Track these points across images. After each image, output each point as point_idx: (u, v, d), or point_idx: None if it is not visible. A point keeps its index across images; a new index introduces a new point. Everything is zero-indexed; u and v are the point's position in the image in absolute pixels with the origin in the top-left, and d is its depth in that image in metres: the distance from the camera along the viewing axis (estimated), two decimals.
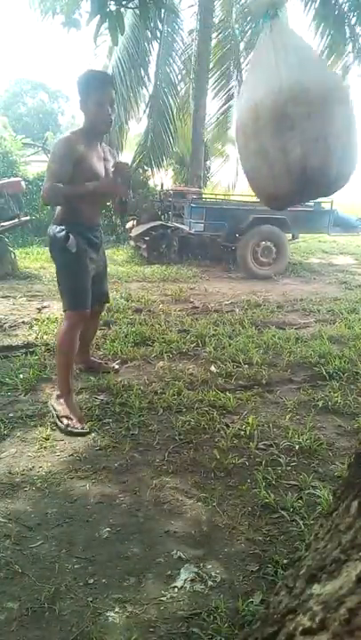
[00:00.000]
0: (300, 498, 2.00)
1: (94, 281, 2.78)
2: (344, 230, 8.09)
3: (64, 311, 2.72)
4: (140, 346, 3.74)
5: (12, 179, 7.56)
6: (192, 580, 1.59)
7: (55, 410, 2.59)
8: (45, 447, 2.35)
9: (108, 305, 3.69)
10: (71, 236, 2.58)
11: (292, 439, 2.43)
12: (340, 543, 0.82)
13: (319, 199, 7.90)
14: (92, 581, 1.58)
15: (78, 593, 1.53)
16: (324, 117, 1.90)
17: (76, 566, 1.64)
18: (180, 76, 10.79)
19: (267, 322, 4.50)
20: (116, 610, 1.48)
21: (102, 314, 3.54)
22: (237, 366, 3.35)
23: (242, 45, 10.71)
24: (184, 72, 11.06)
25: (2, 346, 3.65)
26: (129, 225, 8.90)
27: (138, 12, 2.94)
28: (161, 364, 3.39)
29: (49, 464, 2.21)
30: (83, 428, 2.48)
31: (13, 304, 5.01)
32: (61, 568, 1.63)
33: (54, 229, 2.65)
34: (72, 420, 2.51)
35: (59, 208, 2.69)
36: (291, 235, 7.69)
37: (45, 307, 4.88)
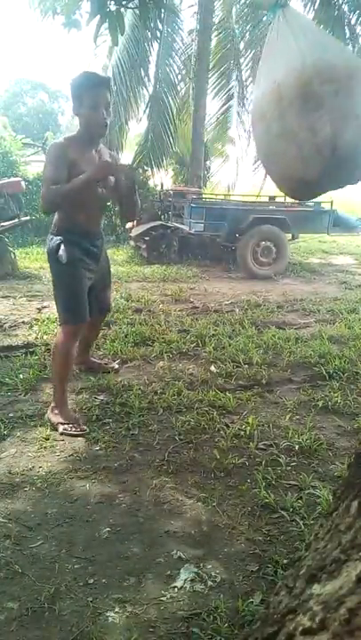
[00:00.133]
0: (300, 498, 2.00)
1: (93, 290, 2.72)
2: (344, 230, 8.09)
3: (59, 325, 2.66)
4: (140, 346, 3.74)
5: (12, 179, 7.55)
6: (192, 580, 1.59)
7: (51, 421, 2.56)
8: (45, 447, 2.35)
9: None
10: (62, 247, 2.51)
11: (292, 439, 2.43)
12: (340, 543, 0.82)
13: (319, 199, 7.93)
14: (91, 581, 1.58)
15: (78, 593, 1.53)
16: (353, 94, 1.82)
17: (76, 566, 1.64)
18: (180, 76, 10.79)
19: (267, 322, 4.50)
20: (116, 610, 1.48)
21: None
22: (237, 366, 3.35)
23: (242, 45, 10.71)
24: (184, 72, 11.06)
25: (2, 346, 3.66)
26: (129, 225, 8.89)
27: (138, 12, 2.94)
28: (161, 364, 3.39)
29: (49, 464, 2.21)
30: (81, 430, 2.47)
31: (13, 304, 5.01)
32: (61, 568, 1.63)
33: (49, 239, 2.62)
34: (67, 424, 2.49)
35: (55, 216, 2.62)
36: (291, 235, 7.69)
37: (45, 307, 4.89)
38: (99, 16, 2.59)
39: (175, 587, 1.56)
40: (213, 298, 5.56)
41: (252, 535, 1.80)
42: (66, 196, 2.44)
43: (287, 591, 0.84)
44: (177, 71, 10.53)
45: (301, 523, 1.84)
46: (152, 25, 8.61)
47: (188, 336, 3.93)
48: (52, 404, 2.62)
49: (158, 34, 9.59)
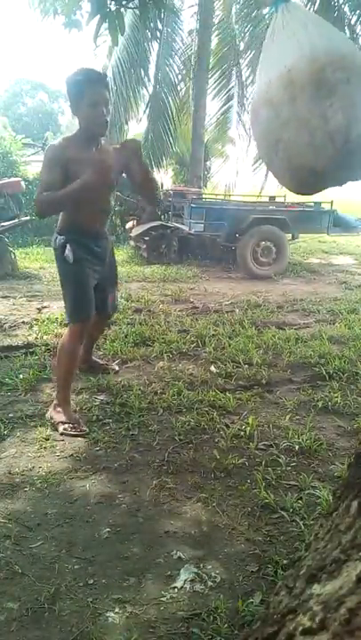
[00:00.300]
0: (300, 498, 2.00)
1: (99, 290, 2.71)
2: (344, 230, 8.09)
3: (66, 324, 2.64)
4: (140, 346, 3.74)
5: (12, 179, 7.56)
6: (192, 581, 1.59)
7: (52, 419, 2.55)
8: (45, 447, 2.35)
9: None
10: (68, 246, 2.50)
11: (292, 439, 2.43)
12: (340, 543, 0.82)
13: (319, 200, 7.94)
14: (91, 582, 1.58)
15: (78, 593, 1.53)
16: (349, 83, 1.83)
17: (76, 566, 1.64)
18: (179, 77, 10.78)
19: (267, 322, 4.50)
20: (116, 610, 1.48)
21: None
22: (237, 366, 3.35)
23: (242, 45, 10.71)
24: (184, 72, 11.06)
25: (2, 346, 3.65)
26: (129, 225, 8.90)
27: (138, 12, 2.95)
28: (161, 364, 3.39)
29: (49, 464, 2.21)
30: (80, 430, 2.46)
31: (13, 304, 5.01)
32: (61, 568, 1.63)
33: (54, 238, 2.60)
34: (68, 423, 2.48)
35: (60, 215, 2.62)
36: (291, 235, 7.69)
37: (45, 307, 4.89)
38: (99, 16, 2.59)
39: (175, 587, 1.56)
40: (213, 298, 5.56)
41: (252, 535, 1.80)
42: (59, 203, 2.43)
43: (287, 591, 0.84)
44: (177, 71, 10.54)
45: (301, 523, 1.84)
46: (152, 25, 8.61)
47: (188, 336, 3.93)
48: (55, 402, 2.62)
49: (158, 34, 9.60)
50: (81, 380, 3.10)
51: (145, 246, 7.82)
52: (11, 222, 6.64)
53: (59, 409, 2.57)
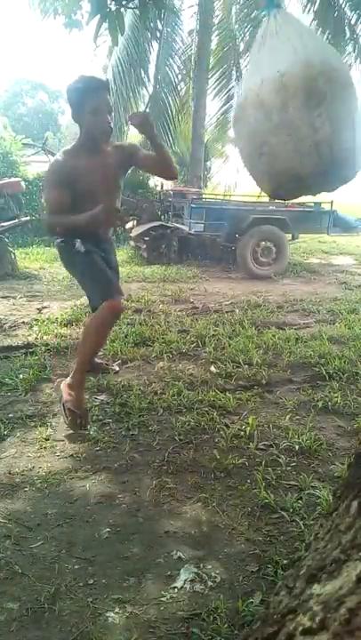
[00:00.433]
0: (300, 498, 2.00)
1: None
2: (344, 231, 8.10)
3: (100, 302, 2.53)
4: (140, 346, 3.74)
5: (12, 179, 7.56)
6: (192, 581, 1.59)
7: (62, 397, 2.52)
8: (45, 447, 2.35)
9: None
10: (76, 240, 2.50)
11: (292, 439, 2.43)
12: (340, 543, 0.82)
13: (319, 200, 7.93)
14: (91, 582, 1.58)
15: (78, 593, 1.53)
16: (352, 98, 1.87)
17: (76, 567, 1.64)
18: (179, 77, 10.81)
19: (267, 322, 4.50)
20: (116, 610, 1.48)
21: None
22: (237, 367, 3.35)
23: (242, 46, 10.72)
24: (184, 72, 11.07)
25: (2, 346, 3.66)
26: (129, 225, 8.90)
27: (138, 12, 2.95)
28: (161, 364, 3.39)
29: (49, 464, 2.21)
30: (82, 427, 2.46)
31: (13, 304, 5.01)
32: (61, 568, 1.63)
33: (58, 241, 2.61)
34: (75, 413, 2.45)
35: None
36: (291, 235, 7.69)
37: (45, 307, 4.89)
38: (99, 16, 2.59)
39: (175, 587, 1.56)
40: (213, 298, 5.56)
41: (252, 535, 1.80)
42: (67, 228, 2.46)
43: (287, 591, 0.84)
44: (177, 71, 10.56)
45: (301, 523, 1.84)
46: (152, 25, 8.62)
47: (188, 336, 3.93)
48: (69, 381, 2.57)
49: (158, 34, 9.61)
50: None
51: (145, 246, 7.82)
52: (11, 222, 6.64)
53: (71, 391, 2.52)
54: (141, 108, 9.99)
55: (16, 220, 6.75)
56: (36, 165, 10.46)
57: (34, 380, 3.03)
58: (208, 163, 12.56)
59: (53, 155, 9.80)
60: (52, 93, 33.27)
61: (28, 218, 7.39)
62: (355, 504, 0.90)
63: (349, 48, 9.21)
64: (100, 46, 9.51)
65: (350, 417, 2.73)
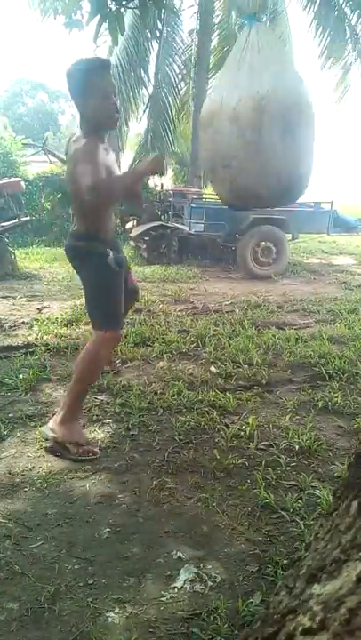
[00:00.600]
0: (300, 498, 2.00)
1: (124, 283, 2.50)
2: (344, 230, 8.11)
3: (95, 331, 2.36)
4: (140, 346, 3.74)
5: (12, 179, 7.57)
6: (192, 581, 1.59)
7: (58, 438, 2.26)
8: (45, 447, 2.34)
9: None
10: (110, 252, 2.26)
11: (292, 439, 2.43)
12: (340, 543, 0.82)
13: (319, 200, 7.93)
14: (91, 582, 1.58)
15: (78, 593, 1.53)
16: (313, 130, 1.96)
17: (76, 566, 1.64)
18: (180, 76, 10.80)
19: (267, 322, 4.50)
20: (116, 610, 1.48)
21: None
22: (237, 366, 3.35)
23: None
24: (184, 72, 11.07)
25: (2, 346, 3.66)
26: (129, 225, 8.91)
27: (138, 12, 2.95)
28: (161, 364, 3.39)
29: (49, 464, 2.21)
30: (94, 453, 2.27)
31: (13, 304, 5.01)
32: (61, 568, 1.63)
33: (84, 244, 2.30)
34: (82, 446, 2.25)
35: (82, 222, 2.33)
36: (291, 235, 7.70)
37: (45, 307, 4.89)
38: (99, 16, 2.59)
39: (175, 587, 1.56)
40: (213, 298, 5.56)
41: (252, 535, 1.80)
42: (127, 187, 2.22)
43: (287, 591, 0.84)
44: (177, 71, 10.56)
45: (301, 523, 1.84)
46: (152, 25, 8.62)
47: (188, 336, 3.93)
48: (61, 417, 2.30)
49: (158, 34, 9.61)
50: None
51: (145, 246, 7.83)
52: (11, 222, 6.64)
53: (68, 425, 2.28)
54: (141, 107, 10.01)
55: (16, 220, 6.75)
56: (35, 165, 10.47)
57: (34, 380, 3.03)
58: None
59: (54, 155, 9.82)
60: (52, 93, 33.28)
61: (28, 218, 7.39)
62: (355, 504, 0.90)
63: (349, 48, 9.22)
64: (101, 46, 9.51)
65: (350, 417, 2.73)
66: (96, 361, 2.35)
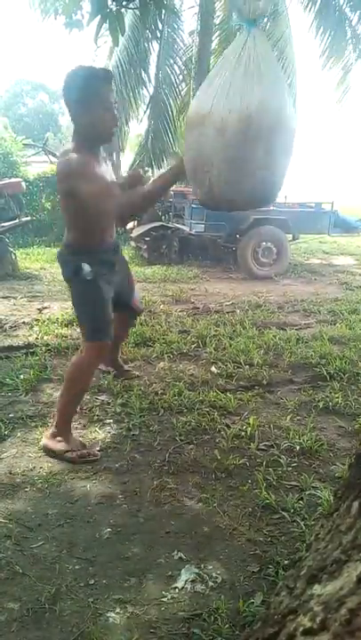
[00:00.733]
0: (301, 498, 2.00)
1: (118, 295, 2.48)
2: (345, 231, 8.10)
3: (85, 341, 2.35)
4: (141, 346, 3.74)
5: (13, 179, 7.57)
6: (193, 581, 1.59)
7: (53, 450, 2.26)
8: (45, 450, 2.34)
9: None
10: (84, 265, 2.21)
11: (293, 440, 2.42)
12: (340, 544, 0.82)
13: (320, 201, 7.93)
14: (92, 582, 1.58)
15: (79, 593, 1.53)
16: (292, 148, 2.03)
17: (77, 567, 1.64)
18: (180, 77, 10.78)
19: (267, 322, 4.50)
20: (117, 610, 1.48)
21: None
22: (238, 367, 3.35)
23: None
24: (185, 73, 11.06)
25: (2, 346, 3.66)
26: (129, 225, 8.91)
27: (138, 12, 2.95)
28: (162, 364, 3.40)
29: (49, 464, 2.21)
30: (93, 455, 2.27)
31: (14, 304, 5.01)
32: (62, 569, 1.63)
33: (65, 261, 2.31)
34: (75, 451, 2.25)
35: (72, 235, 2.28)
36: (291, 235, 7.69)
37: (46, 307, 4.89)
38: (99, 16, 2.59)
39: (176, 587, 1.56)
40: (214, 298, 5.56)
41: (253, 536, 1.80)
42: (147, 200, 2.21)
43: (288, 592, 0.84)
44: (178, 72, 10.54)
45: (302, 523, 1.84)
46: (152, 25, 8.63)
47: (189, 337, 3.93)
48: (53, 431, 2.31)
49: (159, 34, 9.61)
50: None
51: (146, 247, 7.83)
52: (11, 223, 6.65)
53: (59, 438, 2.28)
54: (142, 108, 10.01)
55: (16, 221, 6.76)
56: (36, 166, 10.48)
57: (34, 381, 3.03)
58: None
59: (54, 155, 9.82)
60: (52, 94, 33.28)
61: (29, 218, 7.39)
62: (356, 504, 0.90)
63: (350, 48, 9.22)
64: (101, 47, 9.52)
65: (351, 417, 2.73)
66: (82, 373, 2.33)
